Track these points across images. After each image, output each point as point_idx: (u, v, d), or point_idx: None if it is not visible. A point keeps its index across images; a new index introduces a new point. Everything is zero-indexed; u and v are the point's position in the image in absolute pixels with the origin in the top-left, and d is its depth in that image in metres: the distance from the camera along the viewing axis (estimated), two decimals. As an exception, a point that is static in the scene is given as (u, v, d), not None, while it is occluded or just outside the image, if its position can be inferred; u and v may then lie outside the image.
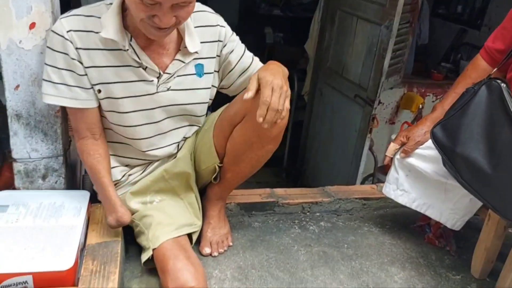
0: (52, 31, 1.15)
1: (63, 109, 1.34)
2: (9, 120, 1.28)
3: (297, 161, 3.61)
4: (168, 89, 1.26)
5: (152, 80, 1.23)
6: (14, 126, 1.29)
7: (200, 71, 1.30)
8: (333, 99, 3.06)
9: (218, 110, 1.39)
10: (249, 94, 1.09)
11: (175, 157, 1.37)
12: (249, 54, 1.40)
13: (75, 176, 1.54)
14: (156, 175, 1.35)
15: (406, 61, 3.08)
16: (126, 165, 1.38)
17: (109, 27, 1.14)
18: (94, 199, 1.40)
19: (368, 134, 2.66)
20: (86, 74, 1.18)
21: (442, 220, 1.44)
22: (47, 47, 1.16)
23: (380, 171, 2.97)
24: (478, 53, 1.47)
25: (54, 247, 1.16)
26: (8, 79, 1.24)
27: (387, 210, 1.73)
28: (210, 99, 1.37)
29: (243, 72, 1.37)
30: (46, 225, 1.23)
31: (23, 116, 1.29)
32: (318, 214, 1.67)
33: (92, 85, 1.20)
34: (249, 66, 1.38)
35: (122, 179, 1.37)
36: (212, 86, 1.36)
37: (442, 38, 3.98)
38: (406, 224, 1.65)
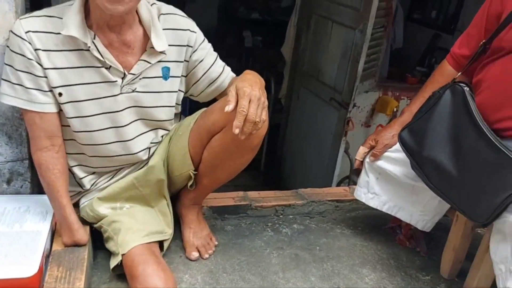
0: (11, 31, 1.12)
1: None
2: (-29, 123, 1.25)
3: (274, 164, 3.62)
4: (133, 91, 1.23)
5: (116, 81, 1.19)
6: (-24, 129, 1.25)
7: (166, 74, 1.27)
8: (309, 102, 3.08)
9: (192, 115, 1.36)
10: (230, 107, 1.07)
11: (147, 163, 1.34)
12: (220, 64, 1.37)
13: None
14: (125, 183, 1.32)
15: (381, 65, 3.12)
16: (93, 173, 1.34)
17: (71, 25, 1.11)
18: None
19: (343, 137, 2.68)
20: (45, 76, 1.14)
21: (413, 222, 1.46)
22: (7, 46, 1.13)
23: (356, 174, 2.99)
24: (446, 58, 1.49)
25: (18, 253, 1.13)
26: (-30, 80, 1.20)
27: (359, 212, 1.75)
28: (176, 104, 1.34)
29: (211, 83, 1.36)
30: (10, 230, 1.20)
31: (-14, 119, 1.25)
32: (291, 216, 1.67)
33: (52, 88, 1.15)
34: (218, 77, 1.36)
35: (91, 187, 1.34)
36: (179, 90, 1.34)
37: (417, 42, 4.05)
38: (378, 226, 1.66)
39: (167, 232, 1.34)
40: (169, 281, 1.17)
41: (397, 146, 1.41)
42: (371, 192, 1.49)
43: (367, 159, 1.48)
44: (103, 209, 1.32)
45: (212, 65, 1.35)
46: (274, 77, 3.84)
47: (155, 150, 1.37)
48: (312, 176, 3.07)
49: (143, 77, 1.24)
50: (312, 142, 3.08)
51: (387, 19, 2.91)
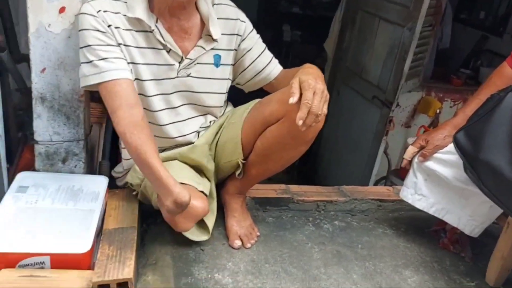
0: (82, 13, 1.15)
1: (87, 94, 1.35)
2: (33, 102, 1.30)
3: (309, 160, 3.60)
4: (188, 75, 1.28)
5: (174, 64, 1.25)
6: (38, 109, 1.30)
7: (217, 61, 1.32)
8: (350, 99, 3.04)
9: (245, 104, 1.39)
10: (294, 99, 1.08)
11: (193, 144, 1.37)
12: (267, 55, 1.41)
13: (93, 161, 1.56)
14: (168, 155, 1.35)
15: (426, 65, 3.05)
16: None
17: (136, 7, 1.17)
18: (111, 184, 1.41)
19: (384, 136, 2.64)
20: (119, 45, 1.18)
21: (460, 226, 1.42)
22: (80, 30, 1.15)
23: (393, 174, 2.95)
24: (501, 60, 1.45)
25: (71, 230, 1.17)
26: (35, 61, 1.25)
27: (402, 213, 1.72)
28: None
29: (258, 73, 1.40)
30: (64, 207, 1.25)
31: (47, 99, 1.30)
32: (332, 213, 1.66)
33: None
34: (264, 67, 1.39)
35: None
36: (228, 78, 1.37)
37: (463, 43, 3.93)
38: (421, 228, 1.63)
39: (205, 186, 1.29)
40: (196, 197, 1.17)
41: (449, 148, 1.38)
42: (418, 194, 1.46)
43: (416, 160, 1.46)
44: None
45: (260, 55, 1.39)
46: (313, 73, 3.80)
47: (203, 134, 1.40)
48: (348, 175, 3.04)
49: (198, 63, 1.29)
50: (350, 140, 3.04)
51: (435, 18, 2.83)
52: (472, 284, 1.40)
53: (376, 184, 2.86)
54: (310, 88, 1.08)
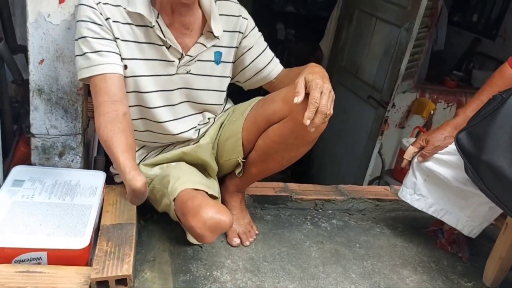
0: (81, 4, 1.13)
1: (85, 87, 1.32)
2: (30, 94, 1.27)
3: (303, 159, 3.60)
4: (187, 72, 1.26)
5: (174, 61, 1.23)
6: (35, 101, 1.27)
7: (218, 59, 1.30)
8: (345, 99, 3.04)
9: (247, 102, 1.37)
10: (299, 99, 1.07)
11: (197, 142, 1.36)
12: (268, 54, 1.39)
13: (88, 156, 1.53)
14: (173, 154, 1.34)
15: (421, 66, 3.06)
16: (143, 147, 1.37)
17: (137, 2, 1.15)
18: (109, 180, 1.39)
19: (379, 136, 2.65)
20: (115, 40, 1.16)
21: (459, 227, 1.43)
22: (77, 21, 1.14)
23: (388, 174, 2.96)
24: (493, 63, 1.46)
25: (69, 225, 1.15)
26: (33, 52, 1.22)
27: (399, 213, 1.72)
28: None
29: (258, 72, 1.38)
30: (61, 202, 1.22)
31: (45, 91, 1.27)
32: (330, 211, 1.66)
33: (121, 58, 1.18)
34: (265, 67, 1.37)
35: (140, 162, 1.35)
36: (228, 76, 1.36)
37: (456, 45, 3.96)
38: (418, 228, 1.64)
39: (215, 189, 1.28)
40: (220, 208, 1.11)
41: (449, 148, 1.39)
42: (418, 194, 1.47)
43: (415, 160, 1.46)
44: (151, 170, 1.33)
45: (261, 54, 1.37)
46: (308, 71, 3.80)
47: (206, 131, 1.38)
48: (342, 174, 3.04)
49: (198, 60, 1.27)
50: (344, 139, 3.04)
51: (431, 19, 2.84)
52: (469, 285, 1.41)
53: (369, 184, 2.87)
54: (318, 88, 1.06)
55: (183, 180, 1.21)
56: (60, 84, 1.27)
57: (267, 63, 1.38)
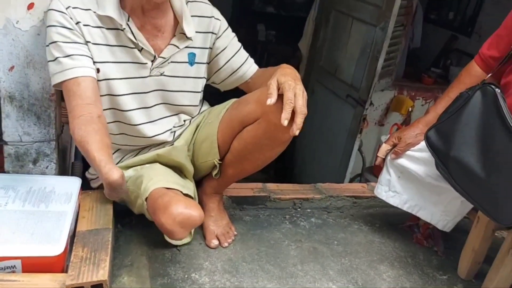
0: (50, 9, 1.13)
1: (58, 92, 1.32)
2: (1, 101, 1.26)
3: (285, 159, 3.62)
4: (161, 74, 1.26)
5: (146, 63, 1.23)
6: (6, 108, 1.26)
7: (192, 60, 1.31)
8: (324, 98, 3.07)
9: (223, 104, 1.38)
10: (272, 100, 1.08)
11: (172, 144, 1.36)
12: (243, 54, 1.40)
13: (65, 162, 1.52)
14: (148, 156, 1.34)
15: (398, 64, 3.11)
16: (118, 150, 1.36)
17: (106, 5, 1.15)
18: (85, 185, 1.38)
19: (358, 134, 2.68)
20: (87, 44, 1.16)
21: (433, 222, 1.46)
22: (47, 26, 1.13)
23: (368, 172, 3.00)
24: (470, 59, 1.49)
25: (43, 232, 1.14)
26: (2, 59, 1.21)
27: (377, 209, 1.75)
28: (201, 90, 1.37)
29: (233, 73, 1.39)
30: (35, 210, 1.21)
31: (16, 98, 1.26)
32: (309, 210, 1.67)
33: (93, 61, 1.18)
34: (240, 67, 1.38)
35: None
36: (203, 77, 1.36)
37: (433, 43, 4.03)
38: (395, 224, 1.66)
39: (190, 189, 1.29)
40: (191, 204, 1.13)
41: (421, 145, 1.41)
42: (392, 191, 1.49)
43: (389, 157, 1.48)
44: (125, 173, 1.28)
45: (235, 54, 1.38)
46: (288, 72, 3.82)
47: (181, 133, 1.39)
48: (323, 172, 3.07)
49: (171, 61, 1.27)
50: (325, 138, 3.07)
51: (407, 18, 2.89)
52: (444, 277, 1.44)
53: (351, 181, 2.90)
54: (291, 89, 1.08)
55: (156, 180, 1.21)
56: (31, 90, 1.26)
57: (241, 63, 1.39)
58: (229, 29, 1.37)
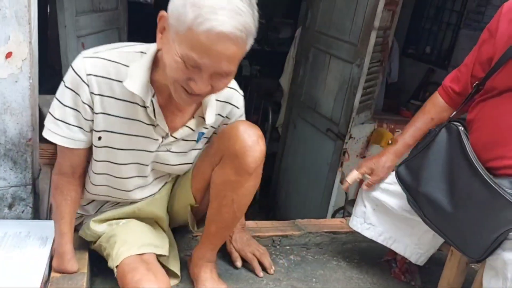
0: (72, 67, 1.09)
1: (35, 137, 1.34)
2: (-22, 147, 1.27)
3: (269, 192, 3.64)
4: (167, 150, 1.24)
5: (157, 139, 1.20)
6: (-18, 154, 1.27)
7: (199, 137, 1.29)
8: (306, 132, 3.13)
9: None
10: (239, 264, 1.48)
11: (153, 196, 1.35)
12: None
13: (42, 205, 1.52)
14: (127, 209, 1.33)
15: (377, 98, 3.19)
16: (93, 201, 1.35)
17: (136, 80, 1.09)
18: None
19: (339, 167, 2.72)
20: (92, 120, 1.14)
21: (407, 255, 1.47)
22: (63, 79, 1.11)
23: (350, 205, 3.01)
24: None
25: (17, 279, 1.14)
26: (-20, 106, 1.23)
27: (355, 244, 1.76)
28: None
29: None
30: (10, 255, 1.21)
31: (-7, 143, 1.27)
32: (288, 247, 1.68)
33: (94, 131, 1.15)
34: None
35: (96, 213, 1.35)
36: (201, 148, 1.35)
37: (411, 76, 4.16)
38: (374, 259, 1.67)
39: (163, 247, 1.30)
40: (160, 283, 1.15)
41: (394, 179, 1.44)
42: (367, 223, 1.51)
43: (363, 189, 1.50)
44: (100, 227, 1.31)
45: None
46: (271, 106, 3.91)
47: (163, 185, 1.38)
48: (307, 206, 3.09)
49: (181, 139, 1.24)
50: (308, 171, 3.11)
51: (383, 54, 2.99)
52: (422, 312, 1.44)
53: (334, 214, 2.92)
54: (244, 249, 1.47)
55: (129, 245, 1.22)
56: (8, 136, 1.28)
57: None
58: (243, 115, 1.33)
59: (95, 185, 1.26)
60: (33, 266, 1.18)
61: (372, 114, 3.15)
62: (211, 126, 1.29)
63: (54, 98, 1.12)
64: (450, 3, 3.97)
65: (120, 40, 2.76)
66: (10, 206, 1.34)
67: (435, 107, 1.45)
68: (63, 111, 1.11)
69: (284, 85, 3.39)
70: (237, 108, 1.30)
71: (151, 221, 1.36)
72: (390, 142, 3.11)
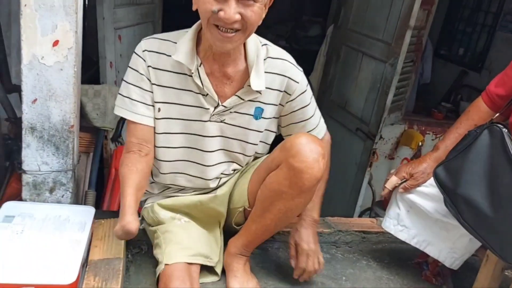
0: (134, 51, 1.24)
1: (77, 124, 1.37)
2: (23, 132, 1.31)
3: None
4: (221, 121, 1.28)
5: (208, 109, 1.26)
6: (27, 139, 1.32)
7: (258, 114, 1.30)
8: (334, 131, 3.09)
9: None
10: (293, 262, 1.39)
11: (214, 191, 1.38)
12: (313, 122, 1.38)
13: (79, 191, 1.56)
14: (190, 201, 1.36)
15: (408, 99, 3.15)
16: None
17: (181, 51, 1.20)
18: (98, 215, 1.41)
19: (368, 168, 2.69)
20: (151, 91, 1.25)
21: (441, 259, 1.45)
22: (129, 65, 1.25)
23: (378, 205, 2.99)
24: (479, 95, 1.51)
25: (57, 260, 1.17)
26: (26, 92, 1.28)
27: (385, 245, 1.74)
28: (266, 143, 1.40)
29: (301, 126, 1.37)
30: (50, 238, 1.25)
31: (37, 129, 1.31)
32: (317, 244, 1.67)
33: (154, 103, 1.26)
34: (308, 131, 1.37)
35: (159, 193, 1.40)
36: (269, 130, 1.37)
37: (443, 78, 4.08)
38: (404, 260, 1.65)
39: (213, 259, 1.34)
40: None
41: (431, 181, 1.42)
42: (401, 225, 1.49)
43: (398, 191, 1.49)
44: (164, 214, 1.36)
45: (304, 121, 1.36)
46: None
47: (225, 182, 1.40)
48: (333, 206, 3.06)
49: (234, 111, 1.28)
50: (335, 171, 3.06)
51: (416, 54, 2.95)
52: (454, 317, 1.42)
53: (360, 215, 2.89)
54: (304, 253, 1.34)
55: (183, 250, 1.26)
56: (52, 122, 1.32)
57: (310, 130, 1.37)
58: (307, 93, 1.32)
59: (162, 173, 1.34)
60: (72, 249, 1.21)
61: (402, 115, 3.11)
62: (272, 104, 1.29)
63: (123, 80, 1.25)
64: (485, 5, 3.87)
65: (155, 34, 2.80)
66: (51, 190, 1.38)
67: (478, 113, 1.42)
68: (127, 89, 1.24)
69: (314, 83, 3.37)
70: (296, 82, 1.29)
71: (210, 220, 1.39)
72: (420, 144, 3.07)
